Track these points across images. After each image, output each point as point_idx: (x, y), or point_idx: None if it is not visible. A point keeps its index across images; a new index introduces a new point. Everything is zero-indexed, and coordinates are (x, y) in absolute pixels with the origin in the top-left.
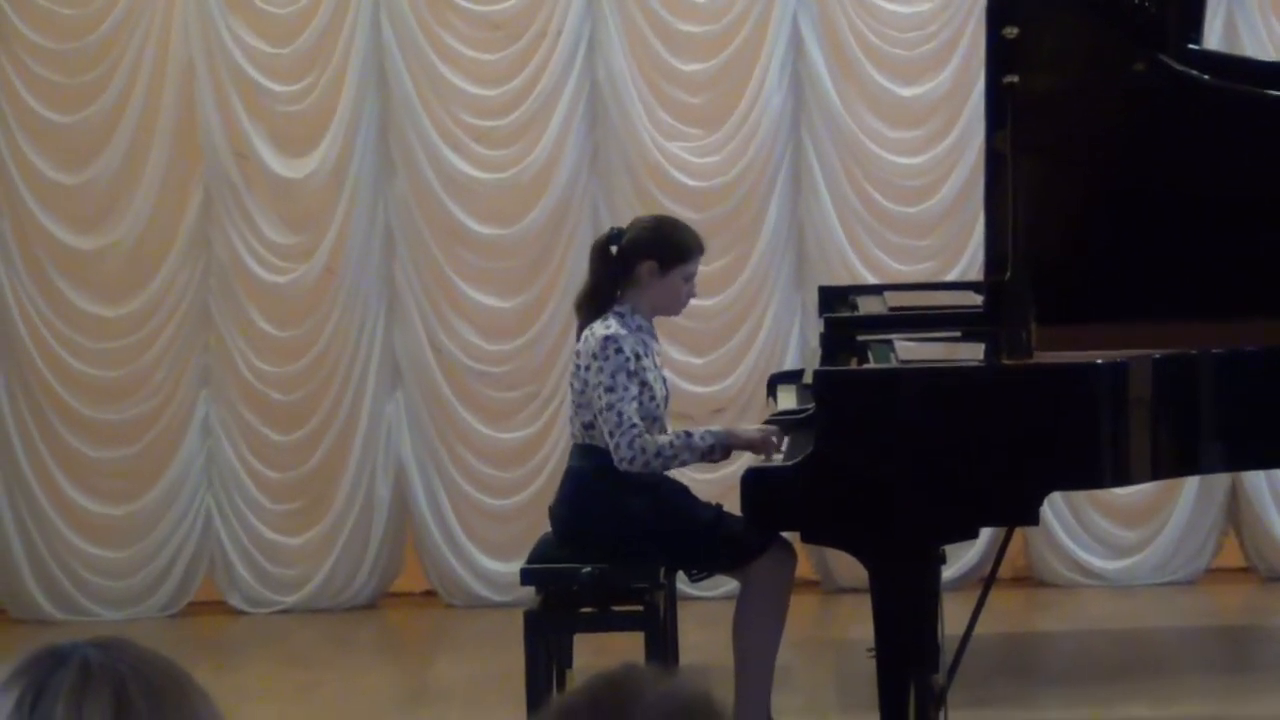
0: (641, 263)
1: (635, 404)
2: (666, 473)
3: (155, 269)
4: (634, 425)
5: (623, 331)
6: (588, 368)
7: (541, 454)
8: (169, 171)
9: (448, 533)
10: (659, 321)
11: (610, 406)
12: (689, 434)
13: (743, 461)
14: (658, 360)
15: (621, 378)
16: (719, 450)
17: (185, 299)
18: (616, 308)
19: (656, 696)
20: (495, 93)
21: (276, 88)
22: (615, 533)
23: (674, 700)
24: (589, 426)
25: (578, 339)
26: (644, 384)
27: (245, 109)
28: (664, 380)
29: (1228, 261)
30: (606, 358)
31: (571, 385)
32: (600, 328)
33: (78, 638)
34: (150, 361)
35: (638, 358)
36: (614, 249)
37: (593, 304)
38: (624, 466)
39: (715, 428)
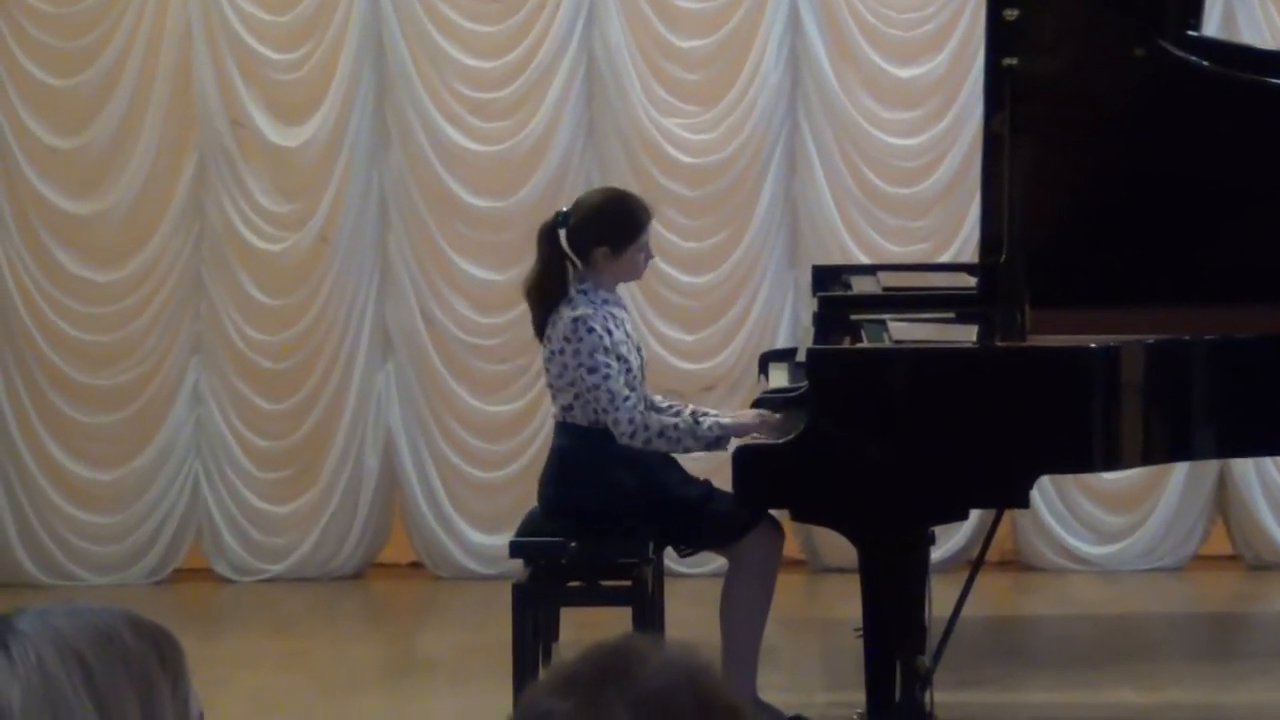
0: (594, 250)
1: (621, 379)
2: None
3: (148, 235)
4: (627, 398)
5: (589, 311)
6: (561, 351)
7: (531, 428)
8: (164, 138)
9: (435, 505)
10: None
11: (597, 386)
12: (696, 421)
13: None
14: (629, 329)
15: (600, 356)
16: (724, 442)
17: (178, 265)
18: (578, 285)
19: (660, 663)
20: (492, 65)
21: (273, 55)
22: (603, 508)
23: (677, 668)
24: (568, 409)
25: (535, 326)
26: (620, 358)
27: (241, 76)
28: (639, 350)
29: (1223, 248)
30: (580, 339)
31: (547, 369)
32: (567, 310)
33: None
34: (141, 327)
35: (609, 333)
36: (562, 233)
37: (541, 289)
38: (625, 440)
39: (724, 419)
